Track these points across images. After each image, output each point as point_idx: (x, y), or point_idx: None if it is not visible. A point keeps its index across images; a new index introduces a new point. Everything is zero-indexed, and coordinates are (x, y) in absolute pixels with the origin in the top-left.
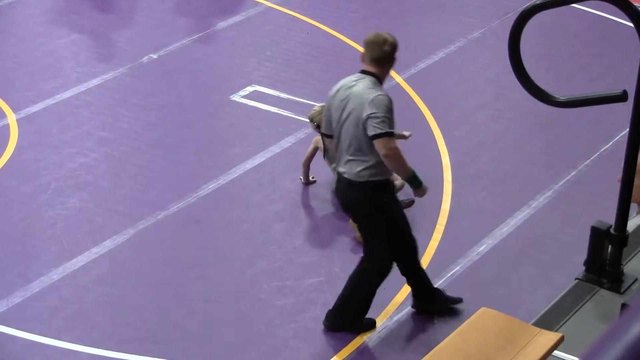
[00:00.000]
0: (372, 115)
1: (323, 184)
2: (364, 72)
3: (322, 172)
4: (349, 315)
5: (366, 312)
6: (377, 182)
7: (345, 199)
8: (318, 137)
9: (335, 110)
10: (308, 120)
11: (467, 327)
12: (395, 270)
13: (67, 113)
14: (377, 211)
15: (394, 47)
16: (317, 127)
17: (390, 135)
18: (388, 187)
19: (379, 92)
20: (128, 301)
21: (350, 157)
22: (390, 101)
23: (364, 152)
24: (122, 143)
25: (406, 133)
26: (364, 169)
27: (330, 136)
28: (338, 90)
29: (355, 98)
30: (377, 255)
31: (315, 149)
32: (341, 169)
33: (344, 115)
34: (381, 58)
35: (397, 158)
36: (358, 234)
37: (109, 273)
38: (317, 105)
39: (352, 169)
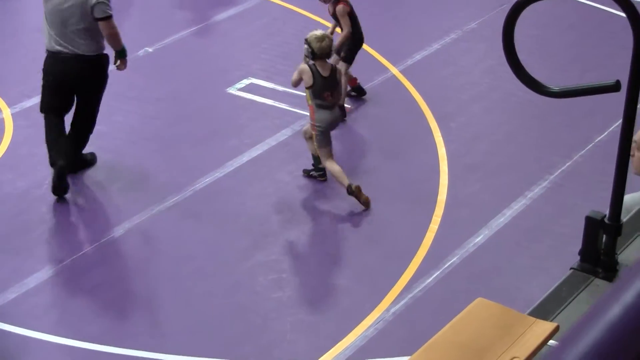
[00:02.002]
0: (100, 1)
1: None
2: None
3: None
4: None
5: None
6: (104, 55)
7: (75, 72)
8: (304, 67)
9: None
10: (304, 44)
11: (463, 317)
12: (393, 260)
13: None
14: (102, 80)
15: None
16: (312, 52)
17: (112, 16)
18: (108, 61)
19: None
20: (124, 296)
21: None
22: None
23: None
24: (118, 137)
25: None
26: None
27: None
28: None
29: None
30: (93, 116)
31: (300, 80)
32: (68, 47)
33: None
34: None
35: (117, 35)
36: (364, 198)
37: (104, 268)
38: (317, 31)
39: (82, 45)
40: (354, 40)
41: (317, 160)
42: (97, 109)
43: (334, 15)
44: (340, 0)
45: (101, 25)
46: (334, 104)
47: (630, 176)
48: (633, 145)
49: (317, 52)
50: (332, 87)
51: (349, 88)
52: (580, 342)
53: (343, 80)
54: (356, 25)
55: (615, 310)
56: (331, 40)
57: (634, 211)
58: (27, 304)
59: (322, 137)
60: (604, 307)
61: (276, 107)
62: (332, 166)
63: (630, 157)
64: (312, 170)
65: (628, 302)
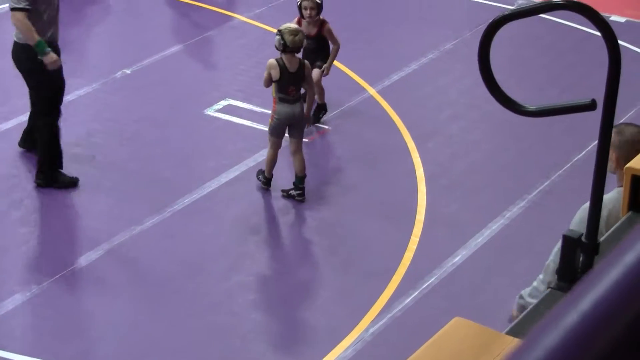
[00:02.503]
0: None
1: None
2: None
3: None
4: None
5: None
6: (23, 44)
7: (13, 57)
8: (272, 62)
9: None
10: (276, 36)
11: (440, 337)
12: (366, 280)
13: None
14: (27, 69)
15: None
16: (284, 45)
17: (22, 10)
18: (31, 51)
19: None
20: (104, 317)
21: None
22: None
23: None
24: (96, 159)
25: None
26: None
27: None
28: None
29: None
30: (34, 106)
31: (270, 77)
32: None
33: None
34: None
35: (22, 29)
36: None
37: (84, 289)
38: (292, 24)
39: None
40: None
41: (298, 179)
42: (36, 101)
43: (315, 37)
44: (323, 21)
45: (10, 15)
46: (298, 98)
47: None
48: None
49: (289, 45)
50: (298, 82)
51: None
52: (535, 348)
53: (320, 87)
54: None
55: (572, 317)
56: (304, 36)
57: (610, 230)
58: (6, 325)
59: (277, 126)
60: (560, 314)
61: (254, 128)
62: (270, 154)
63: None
64: (291, 189)
65: (585, 309)
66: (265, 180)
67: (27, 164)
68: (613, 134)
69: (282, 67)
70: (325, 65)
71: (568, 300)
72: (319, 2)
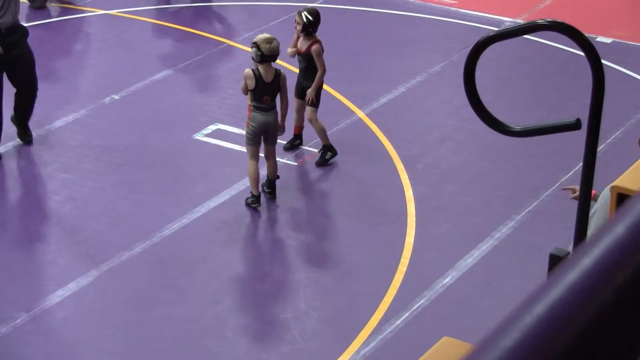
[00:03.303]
0: None
1: (288, 221)
2: None
3: (289, 206)
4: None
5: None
6: None
7: None
8: (248, 72)
9: None
10: (252, 47)
11: (428, 356)
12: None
13: (30, 155)
14: None
15: None
16: (261, 55)
17: None
18: None
19: None
20: (93, 343)
21: None
22: None
23: None
24: (85, 184)
25: None
26: None
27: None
28: None
29: None
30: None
31: (247, 85)
32: None
33: None
34: None
35: None
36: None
37: (73, 316)
38: (266, 34)
39: None
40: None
41: (269, 182)
42: None
43: (304, 54)
44: (315, 41)
45: None
46: (272, 107)
47: None
48: None
49: (266, 53)
50: (272, 92)
51: (293, 132)
52: (491, 348)
53: (316, 126)
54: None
55: (527, 321)
56: (278, 43)
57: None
58: None
59: (252, 134)
60: (517, 317)
61: (243, 152)
62: (251, 167)
63: None
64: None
65: (540, 313)
66: (254, 198)
67: (12, 187)
68: None
69: (257, 77)
70: (312, 90)
71: (524, 303)
72: (305, 20)
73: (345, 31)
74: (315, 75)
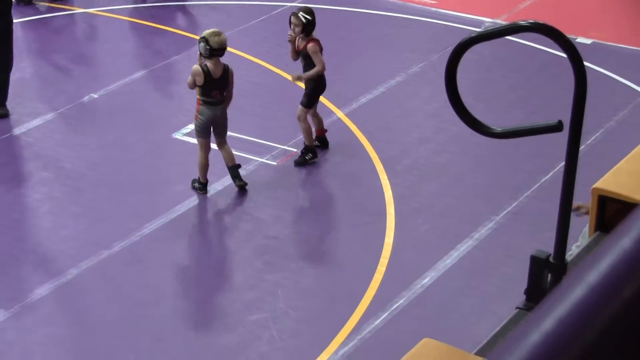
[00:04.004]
0: None
1: (266, 221)
2: None
3: (267, 206)
4: None
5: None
6: None
7: None
8: (197, 69)
9: None
10: (200, 43)
11: (409, 358)
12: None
13: (8, 154)
14: None
15: None
16: (210, 49)
17: None
18: None
19: None
20: (73, 342)
21: None
22: None
23: None
24: (65, 183)
25: None
26: None
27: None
28: None
29: None
30: None
31: (194, 81)
32: None
33: None
34: None
35: None
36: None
37: (53, 314)
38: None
39: None
40: (319, 84)
41: (232, 169)
42: None
43: (302, 53)
44: (312, 39)
45: None
46: (221, 101)
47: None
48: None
49: (215, 47)
50: (221, 86)
51: (314, 135)
52: None
53: (302, 125)
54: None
55: (534, 337)
56: (226, 37)
57: (577, 251)
58: None
59: (201, 127)
60: (523, 333)
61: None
62: (200, 156)
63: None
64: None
65: (547, 329)
66: (201, 185)
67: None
68: None
69: (206, 73)
70: (302, 75)
71: (531, 320)
72: (304, 20)
73: (324, 31)
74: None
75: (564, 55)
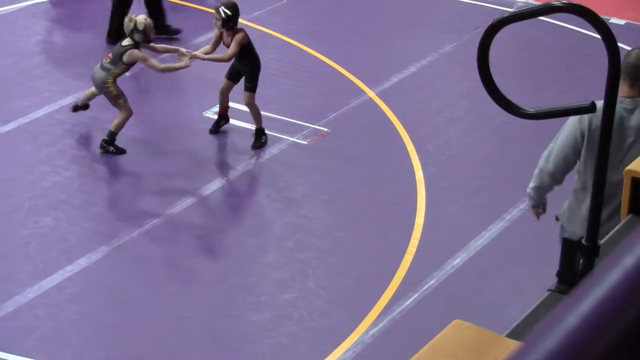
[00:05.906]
0: None
1: (296, 201)
2: None
3: (298, 185)
4: None
5: None
6: None
7: None
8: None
9: None
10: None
11: (439, 339)
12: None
13: (41, 132)
14: None
15: None
16: (145, 37)
17: None
18: None
19: None
20: (102, 319)
21: None
22: None
23: None
24: (96, 160)
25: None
26: None
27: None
28: None
29: None
30: None
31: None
32: None
33: None
34: None
35: None
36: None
37: (83, 291)
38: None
39: None
40: (257, 67)
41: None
42: None
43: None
44: (238, 31)
45: None
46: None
47: None
48: None
49: (147, 33)
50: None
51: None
52: (534, 350)
53: (253, 110)
54: (254, 53)
55: (571, 319)
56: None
57: (610, 233)
58: (6, 328)
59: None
60: (560, 317)
61: (251, 130)
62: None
63: None
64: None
65: (584, 312)
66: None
67: (23, 163)
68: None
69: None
70: (208, 55)
71: (567, 304)
72: (224, 15)
73: (354, 10)
74: (250, 61)
75: (595, 35)
